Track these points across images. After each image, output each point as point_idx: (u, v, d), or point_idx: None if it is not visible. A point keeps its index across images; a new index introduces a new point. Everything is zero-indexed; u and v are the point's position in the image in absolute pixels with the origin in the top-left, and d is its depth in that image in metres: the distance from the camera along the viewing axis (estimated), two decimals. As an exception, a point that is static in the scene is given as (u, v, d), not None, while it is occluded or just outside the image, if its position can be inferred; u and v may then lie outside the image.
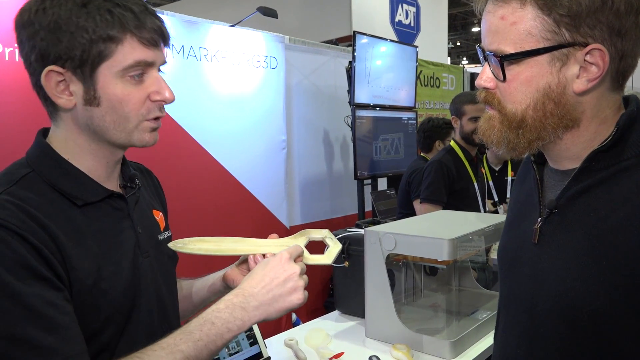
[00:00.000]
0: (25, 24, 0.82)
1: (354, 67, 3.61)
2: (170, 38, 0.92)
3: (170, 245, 0.99)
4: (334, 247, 1.04)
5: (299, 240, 1.04)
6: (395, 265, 1.81)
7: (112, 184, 0.94)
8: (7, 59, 2.27)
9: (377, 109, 3.96)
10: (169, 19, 2.96)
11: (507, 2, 0.78)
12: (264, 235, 3.63)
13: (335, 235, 1.98)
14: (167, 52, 2.87)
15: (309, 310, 4.01)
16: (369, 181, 4.06)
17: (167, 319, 0.99)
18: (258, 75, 3.43)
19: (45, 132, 0.91)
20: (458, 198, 2.63)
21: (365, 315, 1.73)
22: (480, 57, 0.84)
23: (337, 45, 4.61)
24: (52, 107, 0.87)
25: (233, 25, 3.33)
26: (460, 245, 1.52)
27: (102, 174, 0.92)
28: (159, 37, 0.88)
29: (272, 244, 1.02)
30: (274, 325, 3.55)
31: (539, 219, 0.86)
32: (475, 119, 2.64)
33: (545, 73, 0.78)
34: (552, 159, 0.89)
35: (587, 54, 0.75)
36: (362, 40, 3.70)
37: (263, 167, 3.50)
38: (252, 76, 3.38)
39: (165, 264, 1.01)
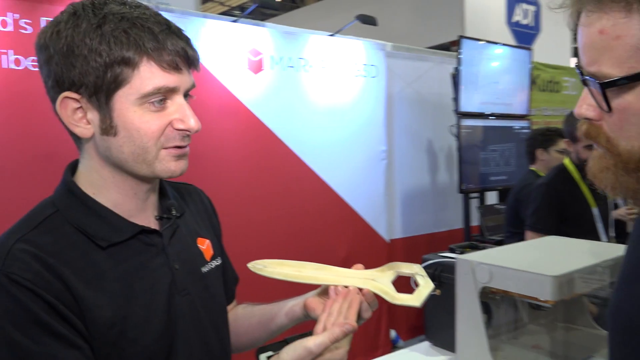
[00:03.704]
0: (41, 47, 0.77)
1: (460, 73, 3.40)
2: (198, 60, 0.82)
3: (250, 266, 0.91)
4: (425, 288, 0.91)
5: (386, 274, 0.93)
6: (492, 298, 1.62)
7: (146, 217, 0.87)
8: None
9: (487, 117, 3.69)
10: (268, 31, 2.98)
11: (607, 12, 0.60)
12: (362, 249, 3.52)
13: (426, 260, 1.83)
14: (265, 63, 2.82)
15: (409, 327, 3.84)
16: (477, 195, 3.81)
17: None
18: (357, 84, 3.34)
19: (75, 165, 0.87)
20: (572, 226, 2.27)
21: (456, 351, 1.56)
22: (581, 79, 0.67)
23: (450, 49, 4.40)
24: (74, 137, 0.82)
25: (332, 35, 3.28)
26: (570, 283, 1.31)
27: (131, 208, 0.85)
28: (183, 60, 0.79)
29: (355, 276, 0.92)
30: (371, 344, 3.43)
31: None
32: (592, 147, 2.27)
33: None
34: None
35: None
36: (469, 45, 3.47)
37: (362, 178, 3.41)
38: (351, 85, 3.31)
39: (210, 299, 0.93)
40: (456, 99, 3.48)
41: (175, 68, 0.78)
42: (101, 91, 0.76)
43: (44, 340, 0.70)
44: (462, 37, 3.41)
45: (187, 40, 0.80)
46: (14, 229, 0.78)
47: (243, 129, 2.87)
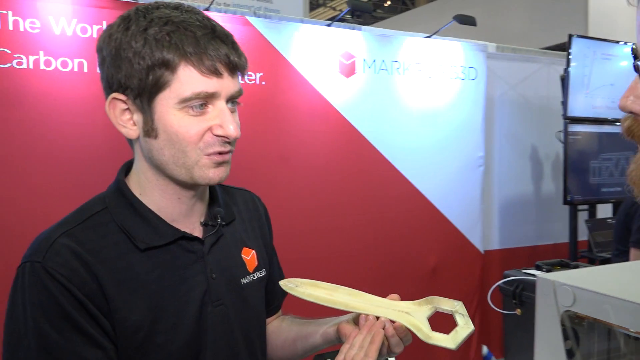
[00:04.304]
0: (97, 50, 0.81)
1: (569, 74, 3.14)
2: (243, 66, 0.81)
3: (281, 283, 0.90)
4: (463, 330, 0.85)
5: (422, 309, 0.87)
6: (579, 323, 1.46)
7: (190, 223, 0.87)
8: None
9: (600, 122, 3.37)
10: (362, 34, 2.96)
11: None
12: (453, 259, 3.37)
13: (506, 277, 1.70)
14: (357, 66, 2.81)
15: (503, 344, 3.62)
16: (586, 207, 3.49)
17: None
18: (454, 87, 3.21)
19: (130, 164, 0.89)
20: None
21: (535, 379, 1.43)
22: (632, 64, 0.57)
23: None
24: (126, 138, 0.84)
25: (429, 36, 3.18)
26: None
27: (175, 212, 0.85)
28: (224, 66, 0.78)
29: (389, 307, 0.88)
30: (461, 356, 3.28)
31: None
32: None
33: None
34: None
35: None
36: (580, 44, 3.20)
37: (456, 185, 3.27)
38: (447, 88, 3.19)
39: (246, 311, 0.92)
40: (564, 103, 3.22)
41: (215, 73, 0.77)
42: (144, 93, 0.77)
43: (70, 335, 0.73)
44: (572, 35, 3.14)
45: (232, 46, 0.80)
46: (64, 221, 0.82)
47: (333, 132, 2.87)
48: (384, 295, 0.91)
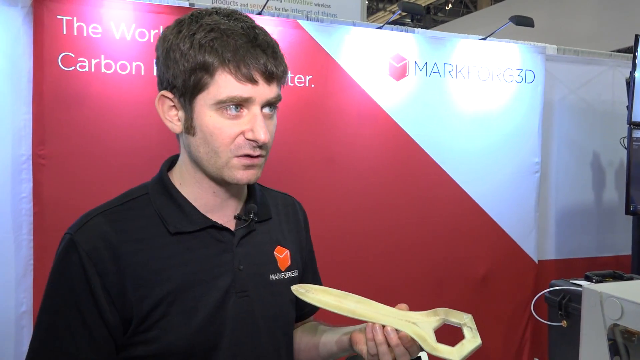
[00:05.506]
0: (155, 49, 0.87)
1: (634, 78, 2.97)
2: (280, 76, 0.84)
3: (293, 288, 0.92)
4: (470, 342, 0.83)
5: (429, 320, 0.87)
6: (628, 338, 1.39)
7: (224, 215, 0.91)
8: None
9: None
10: (414, 37, 2.93)
11: None
12: (505, 267, 3.25)
13: (553, 286, 1.63)
14: (408, 69, 2.78)
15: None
16: (652, 217, 3.29)
17: None
18: (509, 90, 3.12)
19: (175, 157, 0.95)
20: None
21: (581, 395, 1.37)
22: None
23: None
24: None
25: (484, 38, 3.11)
26: None
27: (209, 203, 0.90)
28: (260, 74, 0.81)
29: (396, 316, 0.88)
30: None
31: None
32: None
33: None
34: None
35: None
36: (648, 45, 3.03)
37: (509, 191, 3.16)
38: (502, 92, 3.10)
39: (274, 306, 0.94)
40: (629, 107, 3.06)
41: (250, 80, 0.81)
42: (186, 93, 0.83)
43: (67, 304, 0.81)
44: (638, 36, 2.98)
45: (272, 55, 0.83)
46: (108, 202, 0.90)
47: (382, 135, 2.86)
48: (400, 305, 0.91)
